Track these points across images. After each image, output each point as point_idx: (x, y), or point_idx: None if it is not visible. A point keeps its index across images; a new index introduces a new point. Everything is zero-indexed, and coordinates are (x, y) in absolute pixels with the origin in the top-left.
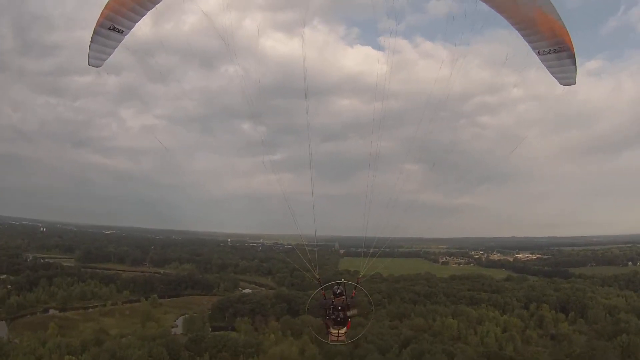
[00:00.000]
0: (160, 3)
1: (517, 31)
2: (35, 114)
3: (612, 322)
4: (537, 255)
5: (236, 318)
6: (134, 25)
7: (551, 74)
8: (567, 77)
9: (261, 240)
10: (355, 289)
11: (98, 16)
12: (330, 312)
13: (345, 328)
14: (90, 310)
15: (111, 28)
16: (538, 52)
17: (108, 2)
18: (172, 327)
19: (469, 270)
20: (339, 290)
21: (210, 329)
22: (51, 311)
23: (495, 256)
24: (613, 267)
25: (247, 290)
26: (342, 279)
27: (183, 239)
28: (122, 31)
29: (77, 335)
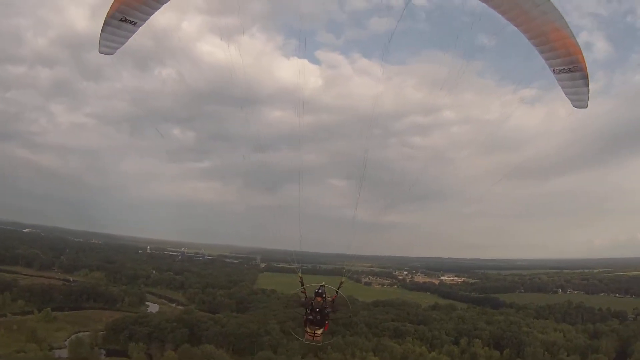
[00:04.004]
0: None
1: (534, 47)
2: None
3: None
4: (463, 279)
5: (131, 342)
6: (147, 18)
7: (565, 94)
8: (579, 99)
9: (182, 249)
10: (335, 294)
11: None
12: (309, 312)
13: (321, 329)
14: None
15: (122, 19)
16: (553, 70)
17: None
18: (59, 347)
19: (393, 293)
20: (319, 290)
21: (104, 352)
22: None
23: (420, 278)
24: (542, 294)
25: (153, 307)
26: (323, 283)
27: (103, 242)
28: (135, 23)
29: None
